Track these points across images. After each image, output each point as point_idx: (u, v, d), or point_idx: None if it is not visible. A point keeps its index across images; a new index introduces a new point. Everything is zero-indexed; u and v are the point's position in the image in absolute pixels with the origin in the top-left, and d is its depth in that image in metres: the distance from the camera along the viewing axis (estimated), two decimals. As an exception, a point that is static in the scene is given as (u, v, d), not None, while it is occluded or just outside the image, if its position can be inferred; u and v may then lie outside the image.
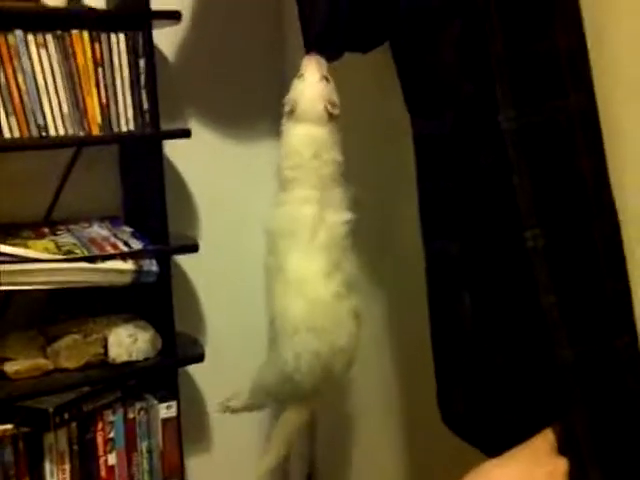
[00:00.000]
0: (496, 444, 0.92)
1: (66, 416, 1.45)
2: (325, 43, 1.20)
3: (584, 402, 0.94)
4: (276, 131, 1.79)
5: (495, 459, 0.88)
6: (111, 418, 1.52)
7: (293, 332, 1.16)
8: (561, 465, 0.87)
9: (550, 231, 0.96)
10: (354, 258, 1.21)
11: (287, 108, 1.18)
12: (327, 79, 1.17)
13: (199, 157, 1.72)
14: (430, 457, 1.47)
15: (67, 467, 1.48)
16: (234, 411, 1.40)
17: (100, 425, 1.51)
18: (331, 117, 1.16)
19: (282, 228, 1.19)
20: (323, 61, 1.18)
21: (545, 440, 0.90)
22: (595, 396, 0.94)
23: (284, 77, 1.76)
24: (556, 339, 0.94)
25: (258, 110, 1.79)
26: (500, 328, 1.04)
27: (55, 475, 1.47)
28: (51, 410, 1.40)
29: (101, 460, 1.52)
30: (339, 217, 1.18)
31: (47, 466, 1.46)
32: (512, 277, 1.02)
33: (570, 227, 0.96)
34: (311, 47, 1.20)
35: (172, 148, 1.63)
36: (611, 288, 0.95)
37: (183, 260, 1.71)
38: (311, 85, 1.16)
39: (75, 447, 1.48)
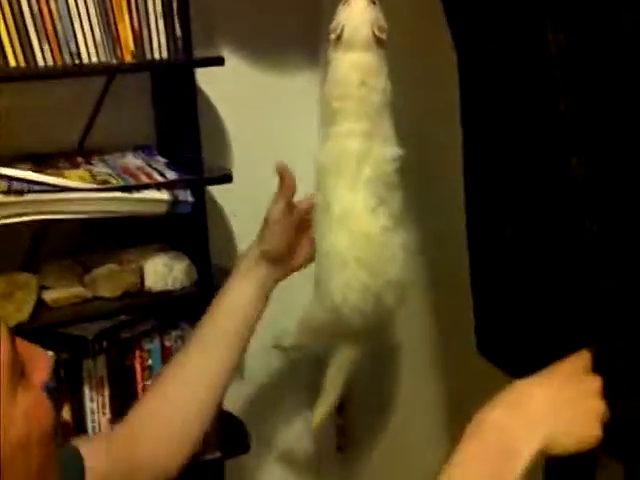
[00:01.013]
0: (532, 370, 0.92)
1: (105, 344, 1.47)
2: None
3: (627, 330, 0.94)
4: (312, 61, 1.77)
5: (527, 378, 0.88)
6: (148, 346, 1.54)
7: (341, 266, 1.14)
8: (595, 383, 0.87)
9: (596, 158, 0.94)
10: (401, 194, 1.19)
11: (333, 35, 1.12)
12: (374, 2, 1.12)
13: (233, 86, 1.69)
14: (465, 386, 1.49)
15: (106, 392, 1.51)
16: (284, 349, 1.41)
17: (138, 352, 1.54)
18: (380, 43, 1.11)
19: (328, 163, 1.17)
20: None
21: (579, 360, 0.90)
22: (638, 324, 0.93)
23: (321, 4, 1.72)
24: (599, 268, 0.93)
25: (294, 39, 1.75)
26: (541, 257, 1.03)
27: (95, 400, 1.50)
28: (90, 337, 1.43)
29: (139, 386, 1.55)
30: (386, 151, 1.15)
31: (87, 391, 1.49)
32: (556, 207, 1.00)
33: (616, 155, 0.93)
34: None
35: (205, 77, 1.60)
36: None
37: (216, 190, 1.70)
38: (358, 10, 1.10)
39: (114, 373, 1.52)
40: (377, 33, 1.10)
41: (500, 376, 1.08)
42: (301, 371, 1.90)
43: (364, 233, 1.15)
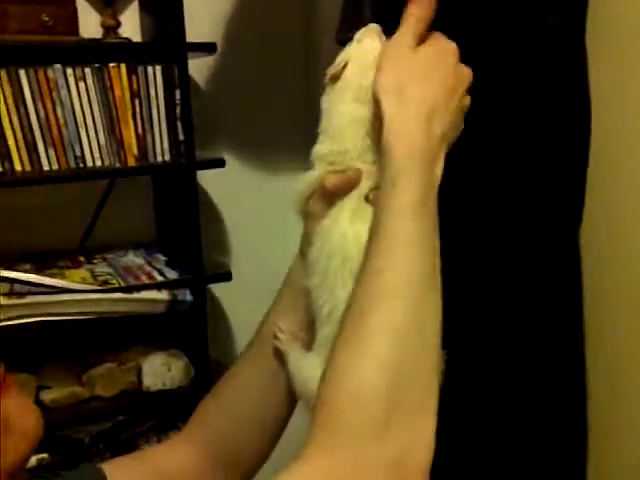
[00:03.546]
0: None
1: (101, 445, 1.46)
2: None
3: None
4: (309, 162, 1.81)
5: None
6: (145, 446, 1.52)
7: None
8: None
9: None
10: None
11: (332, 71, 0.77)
12: None
13: (232, 185, 1.73)
14: None
15: (101, 496, 1.48)
16: None
17: (135, 454, 1.51)
18: None
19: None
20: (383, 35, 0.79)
21: None
22: None
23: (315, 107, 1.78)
24: None
25: (291, 140, 1.80)
26: None
27: (90, 504, 1.47)
28: (87, 440, 1.41)
29: (135, 489, 1.52)
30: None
31: (82, 495, 1.47)
32: None
33: None
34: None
35: (205, 176, 1.64)
36: None
37: (215, 287, 1.72)
38: (371, 47, 0.77)
39: (110, 476, 1.49)
40: None
41: None
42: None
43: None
